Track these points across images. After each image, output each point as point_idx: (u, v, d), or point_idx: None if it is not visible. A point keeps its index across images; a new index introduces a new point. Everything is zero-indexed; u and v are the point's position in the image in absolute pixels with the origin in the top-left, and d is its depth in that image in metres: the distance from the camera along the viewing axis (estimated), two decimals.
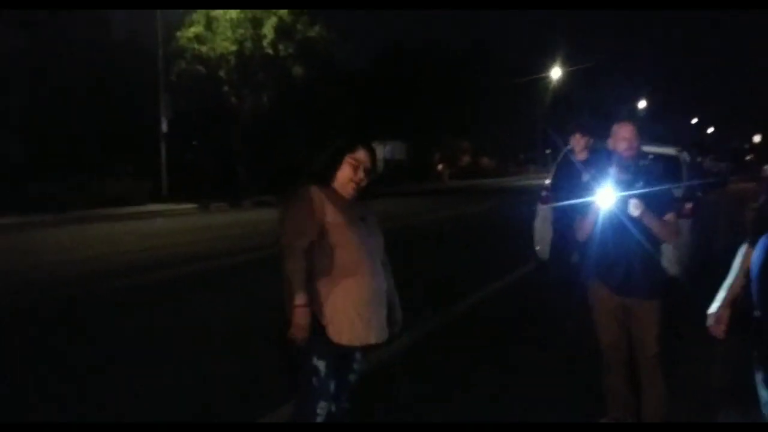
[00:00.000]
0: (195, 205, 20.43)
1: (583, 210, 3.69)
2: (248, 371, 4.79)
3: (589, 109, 50.02)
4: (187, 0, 21.62)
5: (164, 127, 22.11)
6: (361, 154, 2.95)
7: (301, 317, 2.77)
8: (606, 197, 3.52)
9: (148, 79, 21.85)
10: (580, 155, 5.81)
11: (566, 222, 5.65)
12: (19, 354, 5.34)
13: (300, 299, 2.78)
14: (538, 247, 7.96)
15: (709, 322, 3.15)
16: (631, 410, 3.81)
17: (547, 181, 7.04)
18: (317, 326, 2.82)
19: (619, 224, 3.55)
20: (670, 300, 3.78)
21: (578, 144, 5.81)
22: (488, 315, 6.81)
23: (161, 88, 22.03)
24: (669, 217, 3.58)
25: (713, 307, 3.15)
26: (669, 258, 4.02)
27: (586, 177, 5.59)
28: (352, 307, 2.84)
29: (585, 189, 5.20)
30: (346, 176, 2.92)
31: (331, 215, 2.85)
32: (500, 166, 52.48)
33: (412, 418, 4.07)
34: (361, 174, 2.94)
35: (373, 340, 2.91)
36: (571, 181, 5.78)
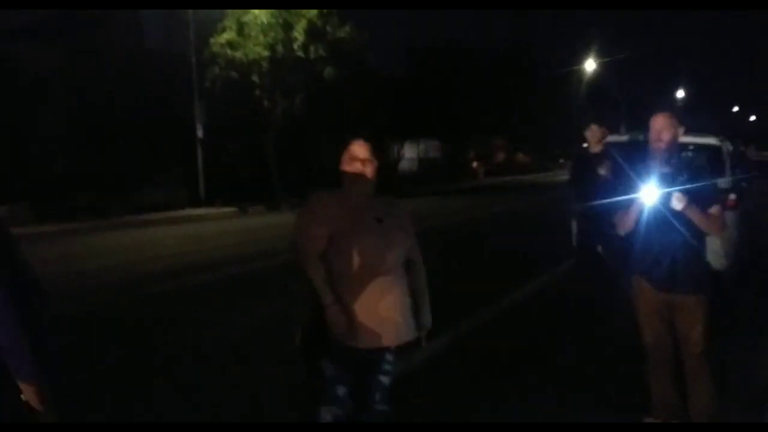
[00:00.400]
0: (233, 209, 20.68)
1: (616, 205, 3.63)
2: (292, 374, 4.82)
3: (626, 101, 49.24)
4: (214, 1, 21.84)
5: (200, 133, 22.44)
6: (354, 149, 2.92)
7: (334, 314, 2.79)
8: (649, 191, 3.44)
9: (183, 87, 22.22)
10: (596, 148, 5.71)
11: (588, 215, 5.58)
12: (78, 358, 5.46)
13: (328, 299, 2.80)
14: (574, 242, 7.86)
15: None
16: (677, 410, 3.72)
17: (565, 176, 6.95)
18: (324, 330, 2.83)
19: (662, 218, 3.47)
20: (715, 295, 3.69)
21: (594, 136, 5.70)
22: (527, 313, 6.75)
23: (196, 95, 22.36)
24: (714, 209, 3.49)
25: None
26: (714, 252, 3.91)
27: (602, 170, 5.55)
28: (361, 311, 2.81)
29: (604, 182, 5.13)
30: (348, 175, 2.90)
31: (339, 220, 2.83)
32: (535, 162, 51.95)
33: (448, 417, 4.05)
34: (359, 169, 2.88)
35: (387, 343, 2.88)
36: (585, 174, 5.70)
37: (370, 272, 2.82)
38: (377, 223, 2.88)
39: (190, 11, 22.42)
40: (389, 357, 2.97)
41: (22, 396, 1.70)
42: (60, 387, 1.78)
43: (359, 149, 2.91)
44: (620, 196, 3.58)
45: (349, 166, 2.90)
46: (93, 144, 21.19)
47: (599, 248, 5.68)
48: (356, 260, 2.80)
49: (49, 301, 1.82)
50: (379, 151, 2.96)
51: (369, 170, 2.89)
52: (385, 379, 2.98)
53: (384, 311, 2.84)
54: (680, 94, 62.98)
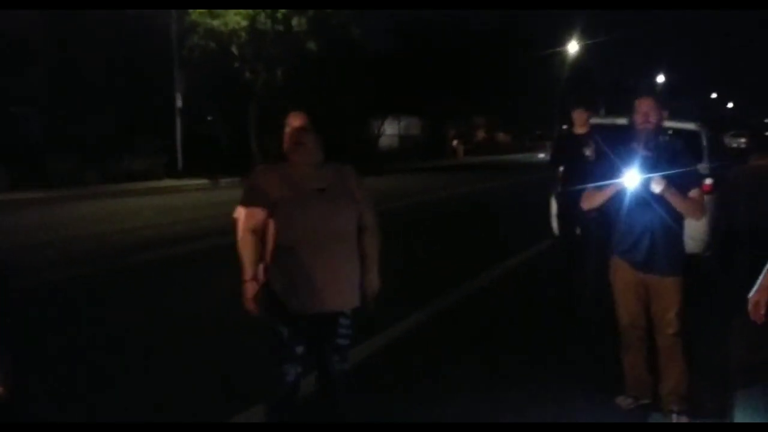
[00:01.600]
0: (207, 181, 20.52)
1: (596, 186, 3.67)
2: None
3: (608, 83, 49.44)
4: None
5: (179, 102, 22.13)
6: (291, 120, 3.07)
7: (247, 290, 2.96)
8: (630, 174, 3.49)
9: (163, 55, 21.84)
10: (581, 129, 5.75)
11: (569, 196, 5.65)
12: (40, 332, 5.41)
13: (246, 274, 2.97)
14: (553, 224, 7.94)
15: (750, 307, 3.13)
16: (648, 388, 3.81)
17: (541, 155, 6.99)
18: (275, 296, 2.98)
19: (642, 201, 3.52)
20: (691, 277, 3.76)
21: (579, 118, 5.75)
22: (499, 295, 6.82)
23: (176, 64, 22.00)
24: (693, 193, 3.55)
25: (752, 292, 3.13)
26: (689, 235, 3.98)
27: (587, 152, 5.60)
28: (305, 278, 2.95)
29: (588, 164, 5.18)
30: (288, 147, 3.03)
31: (279, 191, 2.95)
32: (516, 142, 52.09)
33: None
34: (296, 139, 3.00)
35: (330, 308, 3.00)
36: (569, 155, 5.75)
37: (312, 240, 2.94)
38: (320, 192, 2.99)
39: None
40: (343, 321, 3.11)
41: None
42: (18, 363, 1.74)
43: (295, 120, 3.07)
44: (603, 178, 3.62)
45: (288, 137, 3.04)
46: (71, 109, 20.78)
47: (577, 230, 5.74)
48: (298, 229, 2.94)
49: (6, 275, 1.78)
50: (321, 123, 3.08)
51: (306, 140, 3.00)
52: (342, 341, 3.13)
53: (327, 278, 2.97)
54: (660, 78, 63.38)
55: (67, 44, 20.77)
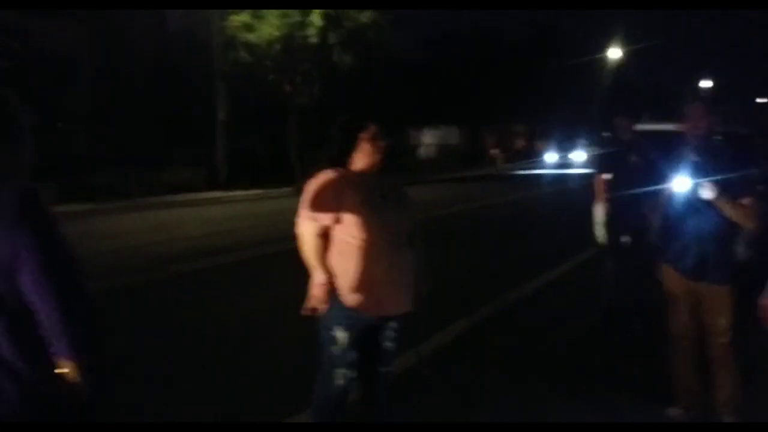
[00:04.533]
0: (255, 191, 20.78)
1: (646, 193, 3.60)
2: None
3: (650, 89, 48.63)
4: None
5: (221, 115, 22.51)
6: (374, 130, 3.07)
7: (316, 290, 3.02)
8: (679, 181, 3.41)
9: (205, 69, 22.27)
10: (625, 136, 5.67)
11: (616, 203, 5.54)
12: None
13: (319, 278, 3.01)
14: (597, 233, 7.79)
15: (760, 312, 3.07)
16: (699, 397, 3.71)
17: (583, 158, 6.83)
18: (337, 299, 3.01)
19: (692, 208, 3.44)
20: (741, 285, 3.65)
21: (623, 125, 5.67)
22: (542, 305, 6.72)
23: (217, 77, 22.39)
24: (745, 200, 3.44)
25: (763, 296, 3.06)
26: (740, 242, 3.87)
27: (633, 158, 5.51)
28: (365, 280, 2.98)
29: (636, 171, 5.08)
30: (365, 155, 3.05)
31: (348, 196, 2.97)
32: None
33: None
34: (380, 149, 3.05)
35: (391, 312, 3.08)
36: (615, 162, 5.66)
37: (377, 245, 2.99)
38: (381, 199, 3.06)
39: None
40: (394, 324, 3.15)
41: (59, 370, 1.71)
42: (100, 364, 1.77)
43: (373, 129, 3.08)
44: (651, 184, 3.55)
45: (368, 146, 3.06)
46: (116, 123, 21.33)
47: (623, 238, 5.62)
48: (363, 234, 2.97)
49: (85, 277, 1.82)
50: (387, 133, 3.10)
51: (375, 150, 3.05)
52: (390, 345, 3.19)
53: (390, 282, 3.03)
54: (706, 83, 62.04)
55: (110, 60, 21.34)
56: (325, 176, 3.06)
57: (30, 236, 1.63)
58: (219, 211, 16.37)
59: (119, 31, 21.88)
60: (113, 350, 4.75)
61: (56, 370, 1.69)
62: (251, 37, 21.82)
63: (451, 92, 34.51)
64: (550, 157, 41.55)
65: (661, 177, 3.51)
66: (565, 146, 42.53)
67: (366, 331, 3.09)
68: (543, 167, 37.38)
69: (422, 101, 31.99)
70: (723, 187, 3.38)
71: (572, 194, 14.34)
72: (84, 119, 21.25)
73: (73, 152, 20.38)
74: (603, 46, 43.58)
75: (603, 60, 44.01)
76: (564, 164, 38.00)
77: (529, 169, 35.81)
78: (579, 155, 40.46)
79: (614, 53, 44.20)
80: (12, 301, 1.63)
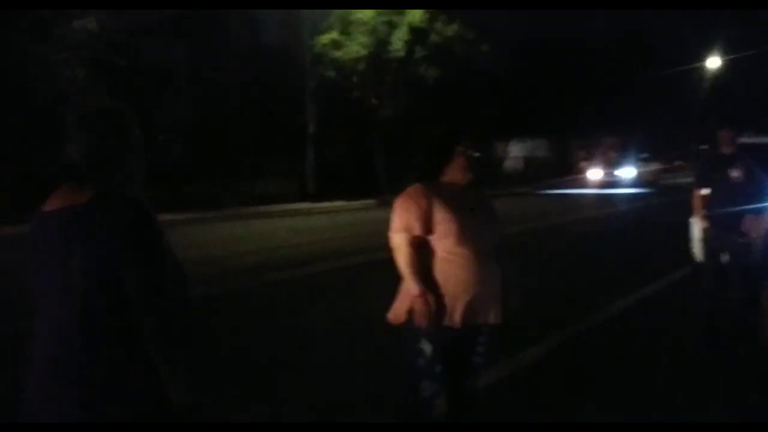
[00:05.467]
0: (346, 203, 21.18)
1: (746, 210, 3.44)
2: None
3: (755, 101, 46.13)
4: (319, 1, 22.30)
5: (311, 128, 23.10)
6: (461, 144, 3.10)
7: (419, 304, 2.99)
8: None
9: (296, 83, 22.95)
10: (727, 150, 5.41)
11: (716, 220, 5.30)
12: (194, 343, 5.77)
13: (415, 289, 2.99)
14: (694, 250, 7.48)
15: None
16: None
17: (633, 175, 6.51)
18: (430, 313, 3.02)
19: None
20: None
21: (725, 138, 5.42)
22: (637, 323, 6.50)
23: (307, 92, 23.02)
24: None
25: None
26: None
27: (735, 173, 5.25)
28: (456, 292, 3.00)
29: (737, 187, 4.85)
30: (458, 167, 3.09)
31: (438, 208, 3.02)
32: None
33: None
34: (472, 162, 3.10)
35: (477, 324, 3.07)
36: (715, 177, 5.42)
37: (466, 257, 3.01)
38: (471, 211, 3.08)
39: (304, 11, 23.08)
40: (482, 339, 3.16)
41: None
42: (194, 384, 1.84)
43: (464, 144, 3.12)
44: (753, 200, 3.39)
45: (461, 158, 3.10)
46: (211, 135, 22.28)
47: (723, 257, 5.37)
48: (453, 246, 3.01)
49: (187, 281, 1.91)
50: (475, 147, 3.15)
51: (468, 162, 3.09)
52: (477, 360, 3.17)
53: (480, 293, 3.03)
54: None
55: (207, 75, 22.32)
56: (415, 188, 3.12)
57: (138, 245, 1.72)
58: (309, 221, 16.76)
59: (216, 47, 22.87)
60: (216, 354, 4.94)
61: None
62: (339, 53, 22.34)
63: (538, 104, 33.98)
64: (594, 173, 33.41)
65: (764, 193, 3.34)
66: (614, 161, 34.41)
67: (452, 343, 3.09)
68: (585, 186, 31.38)
69: (508, 113, 31.65)
70: None
71: (669, 209, 13.78)
72: (182, 132, 22.31)
73: (171, 163, 21.43)
74: (701, 55, 41.75)
75: (701, 70, 42.16)
76: (610, 182, 31.41)
77: (566, 187, 29.87)
78: (628, 171, 33.31)
79: (713, 62, 42.25)
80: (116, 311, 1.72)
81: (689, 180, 6.48)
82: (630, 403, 4.23)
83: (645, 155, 37.32)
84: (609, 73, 36.01)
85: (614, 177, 32.50)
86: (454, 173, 3.10)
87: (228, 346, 5.54)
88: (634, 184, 30.92)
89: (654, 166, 36.20)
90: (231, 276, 9.02)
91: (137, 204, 1.77)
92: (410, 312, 3.05)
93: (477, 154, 3.13)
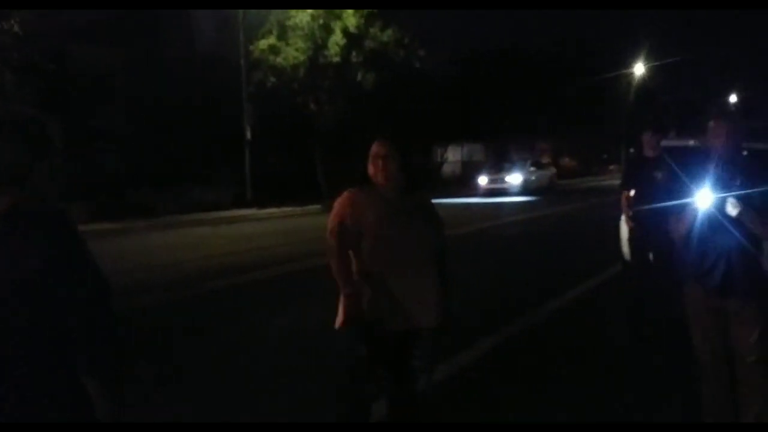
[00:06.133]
0: (286, 209, 21.00)
1: (670, 210, 3.61)
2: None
3: (677, 105, 48.12)
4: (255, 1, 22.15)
5: (248, 135, 22.89)
6: (375, 148, 3.15)
7: (346, 305, 3.08)
8: (703, 197, 3.43)
9: (233, 89, 22.71)
10: (651, 152, 5.68)
11: (641, 220, 5.55)
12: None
13: (346, 290, 3.08)
14: (624, 249, 7.78)
15: None
16: (729, 418, 3.68)
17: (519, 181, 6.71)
18: (362, 314, 3.09)
19: (718, 224, 3.45)
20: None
21: (649, 141, 5.68)
22: (567, 323, 6.72)
23: (244, 98, 22.82)
24: None
25: None
26: (765, 258, 3.85)
27: (659, 175, 5.51)
28: (388, 296, 3.06)
29: (660, 188, 5.10)
30: (371, 172, 3.13)
31: (366, 214, 3.08)
32: (582, 167, 51.21)
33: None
34: (379, 166, 3.10)
35: (414, 327, 3.10)
36: (640, 178, 5.67)
37: (400, 261, 3.07)
38: (405, 216, 3.13)
39: (240, 14, 22.89)
40: (419, 342, 3.16)
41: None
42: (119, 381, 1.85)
43: (379, 147, 3.15)
44: (675, 200, 3.57)
45: (372, 164, 3.14)
46: (148, 144, 21.80)
47: (650, 255, 5.63)
48: (387, 250, 3.07)
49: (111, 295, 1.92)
50: (403, 149, 3.17)
51: (390, 167, 3.11)
52: (416, 363, 3.19)
53: (413, 297, 3.08)
54: (733, 98, 61.26)
55: (143, 82, 21.85)
56: (348, 194, 3.20)
57: (58, 255, 1.71)
58: (247, 228, 16.57)
59: (151, 54, 22.44)
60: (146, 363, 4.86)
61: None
62: (278, 59, 22.24)
63: (477, 109, 34.56)
64: (481, 180, 29.32)
65: (686, 193, 3.53)
66: (501, 166, 30.26)
67: (389, 346, 3.13)
68: (475, 194, 28.26)
69: (448, 118, 32.07)
70: (749, 203, 3.39)
71: (599, 210, 14.25)
72: (118, 140, 21.75)
73: (107, 172, 20.88)
74: (629, 62, 43.37)
75: (628, 76, 43.76)
76: (496, 190, 28.04)
77: (455, 196, 26.19)
78: (515, 178, 28.80)
79: (639, 69, 43.95)
80: (41, 316, 1.72)
81: (615, 182, 6.76)
82: (565, 402, 4.39)
83: (539, 159, 34.43)
84: (545, 79, 36.91)
85: (502, 184, 28.50)
86: (374, 178, 3.14)
87: (162, 356, 5.45)
88: (523, 191, 27.90)
89: (548, 171, 33.01)
90: (163, 285, 8.84)
91: (55, 214, 1.77)
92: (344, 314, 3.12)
93: (403, 160, 3.13)
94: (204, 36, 25.99)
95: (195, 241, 13.95)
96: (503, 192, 27.65)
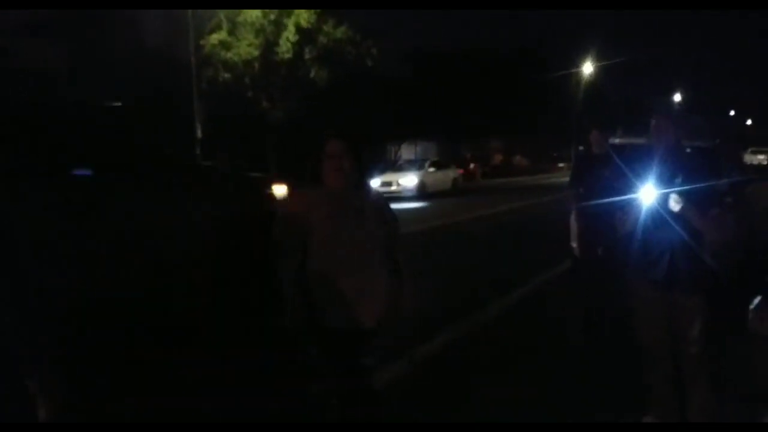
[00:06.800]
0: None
1: (616, 205, 3.69)
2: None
3: (624, 104, 49.39)
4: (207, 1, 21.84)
5: (198, 132, 22.50)
6: (329, 146, 3.11)
7: (291, 305, 3.09)
8: (646, 193, 3.51)
9: (184, 86, 22.29)
10: (598, 150, 5.81)
11: (589, 217, 5.66)
12: None
13: (287, 292, 3.08)
14: (573, 244, 7.91)
15: (750, 317, 3.12)
16: (674, 409, 3.77)
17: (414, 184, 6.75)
18: (309, 313, 3.09)
19: (660, 219, 3.53)
20: (713, 295, 3.74)
21: (596, 139, 5.81)
22: (520, 317, 6.81)
23: (195, 95, 22.42)
24: (713, 211, 3.55)
25: (754, 303, 3.13)
26: (710, 252, 3.96)
27: (605, 173, 5.64)
28: (337, 295, 3.05)
29: (607, 184, 5.21)
30: (324, 171, 3.10)
31: (314, 213, 3.06)
32: (533, 165, 52.05)
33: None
34: (333, 164, 3.07)
35: (362, 326, 3.10)
36: (587, 176, 5.79)
37: (347, 260, 3.05)
38: (356, 214, 3.10)
39: (189, 11, 22.51)
40: (367, 340, 3.18)
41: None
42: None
43: (332, 146, 3.11)
44: (621, 196, 3.64)
45: (325, 162, 3.10)
46: None
47: (599, 250, 5.72)
48: (334, 249, 3.05)
49: None
50: (356, 147, 3.14)
51: (344, 165, 3.08)
52: (366, 362, 3.21)
53: (360, 296, 3.07)
54: (677, 97, 63.18)
55: (89, 77, 21.27)
56: (295, 193, 3.18)
57: None
58: None
59: (97, 49, 21.84)
60: None
61: None
62: (229, 55, 21.93)
63: (430, 108, 34.76)
64: (375, 182, 23.45)
65: (631, 189, 3.60)
66: (400, 167, 27.13)
67: (340, 345, 3.12)
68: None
69: (401, 117, 32.17)
70: (690, 198, 3.48)
71: (550, 207, 14.49)
72: None
73: None
74: (578, 62, 44.28)
75: (578, 75, 44.66)
76: (388, 194, 22.42)
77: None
78: (409, 180, 25.14)
79: (588, 68, 44.92)
80: None
81: (565, 179, 6.89)
82: (518, 399, 4.42)
83: (439, 159, 30.28)
84: (499, 78, 37.36)
85: (395, 186, 24.42)
86: (326, 177, 3.11)
87: None
88: (419, 195, 24.31)
89: (451, 171, 28.28)
90: None
91: None
92: (296, 312, 3.10)
93: (353, 159, 3.11)
94: (153, 31, 25.42)
95: None
96: (396, 196, 22.93)
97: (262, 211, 4.22)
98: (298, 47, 22.57)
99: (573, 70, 43.73)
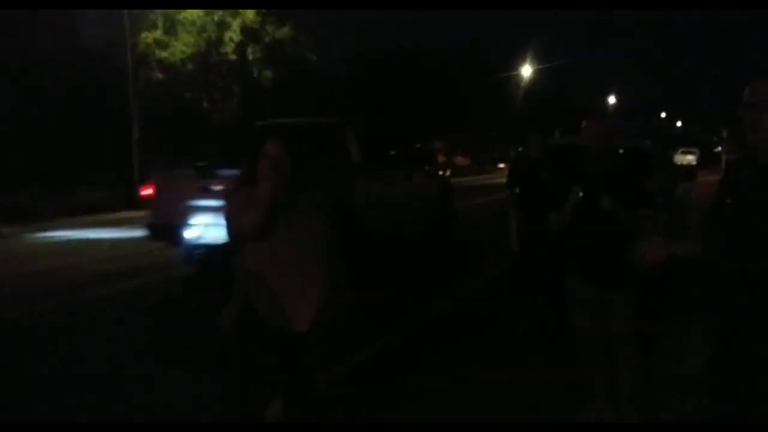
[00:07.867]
0: None
1: (550, 206, 3.79)
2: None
3: (563, 105, 50.60)
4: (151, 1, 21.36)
5: (135, 133, 21.91)
6: (267, 147, 3.09)
7: (233, 304, 3.15)
8: (581, 192, 3.61)
9: (119, 86, 21.68)
10: (536, 152, 5.95)
11: (527, 217, 5.79)
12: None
13: (234, 291, 3.13)
14: (512, 245, 8.05)
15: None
16: (606, 401, 3.89)
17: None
18: (249, 314, 3.10)
19: (594, 218, 3.64)
20: (645, 291, 3.87)
21: (534, 141, 5.95)
22: (463, 315, 6.89)
23: (131, 95, 21.83)
24: (643, 210, 3.68)
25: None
26: (642, 249, 4.09)
27: (542, 173, 5.79)
28: (274, 296, 3.05)
29: (544, 186, 5.35)
30: (259, 172, 3.05)
31: (248, 215, 3.03)
32: (475, 165, 52.63)
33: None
34: (271, 166, 3.03)
35: (302, 327, 3.07)
36: (526, 177, 5.92)
37: (284, 261, 3.04)
38: (293, 216, 3.08)
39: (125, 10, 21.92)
40: (312, 340, 3.14)
41: None
42: None
43: (270, 148, 3.09)
44: (557, 197, 3.74)
45: (262, 164, 3.06)
46: (26, 140, 20.41)
47: (538, 251, 5.84)
48: (271, 250, 3.03)
49: None
50: (293, 149, 3.12)
51: (281, 166, 3.06)
52: (309, 361, 3.19)
53: (297, 298, 3.05)
54: (612, 100, 65.11)
55: (20, 75, 20.48)
56: (232, 194, 3.18)
57: None
58: (135, 231, 15.84)
59: (29, 45, 21.03)
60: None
61: None
62: (165, 54, 21.44)
63: (374, 108, 34.81)
64: None
65: (566, 190, 3.70)
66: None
67: (281, 346, 3.12)
68: None
69: (345, 117, 32.11)
70: (621, 198, 3.60)
71: (491, 207, 14.69)
72: None
73: None
74: (518, 64, 45.10)
75: (518, 77, 45.50)
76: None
77: None
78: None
79: (527, 71, 45.81)
80: None
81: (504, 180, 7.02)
82: (466, 398, 4.49)
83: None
84: (439, 79, 37.68)
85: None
86: (262, 177, 3.05)
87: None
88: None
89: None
90: (42, 295, 8.30)
91: None
92: (240, 313, 3.12)
93: (290, 160, 3.09)
94: (87, 27, 24.63)
95: (79, 245, 13.21)
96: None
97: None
98: (241, 47, 22.28)
99: (513, 73, 44.52)
